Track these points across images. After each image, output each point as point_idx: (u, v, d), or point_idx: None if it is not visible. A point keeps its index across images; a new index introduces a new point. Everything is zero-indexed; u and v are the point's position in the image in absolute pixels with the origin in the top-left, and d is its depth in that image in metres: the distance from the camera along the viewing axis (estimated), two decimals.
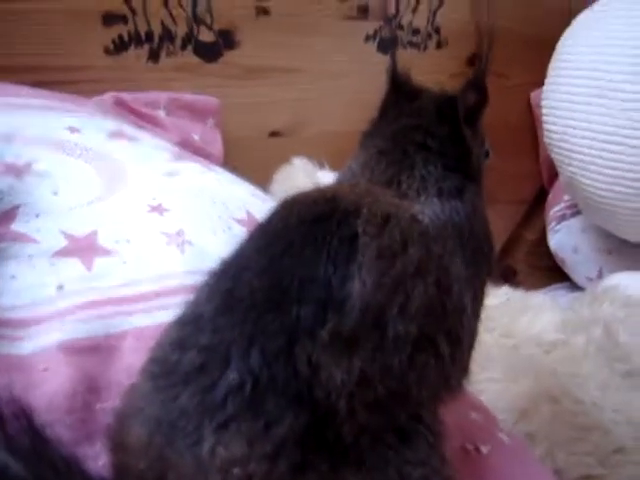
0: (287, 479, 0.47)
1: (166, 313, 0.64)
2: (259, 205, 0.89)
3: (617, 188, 1.28)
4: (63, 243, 0.70)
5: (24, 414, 0.55)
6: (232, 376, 0.48)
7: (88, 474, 0.55)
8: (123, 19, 1.19)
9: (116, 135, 0.94)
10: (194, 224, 0.78)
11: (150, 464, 0.49)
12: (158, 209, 0.78)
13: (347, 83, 1.41)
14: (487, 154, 0.73)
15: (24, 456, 0.52)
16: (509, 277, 1.69)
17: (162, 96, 1.21)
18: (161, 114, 1.19)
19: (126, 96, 1.16)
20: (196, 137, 1.21)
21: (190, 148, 1.16)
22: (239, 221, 0.82)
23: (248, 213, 0.85)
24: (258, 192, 0.96)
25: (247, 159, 1.30)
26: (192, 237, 0.76)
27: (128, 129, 0.98)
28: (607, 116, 1.27)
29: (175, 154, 0.96)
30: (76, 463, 0.55)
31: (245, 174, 1.14)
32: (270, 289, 0.51)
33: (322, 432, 0.48)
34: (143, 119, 1.16)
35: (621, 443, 0.90)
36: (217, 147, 1.24)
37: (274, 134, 1.38)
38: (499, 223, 1.65)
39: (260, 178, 1.26)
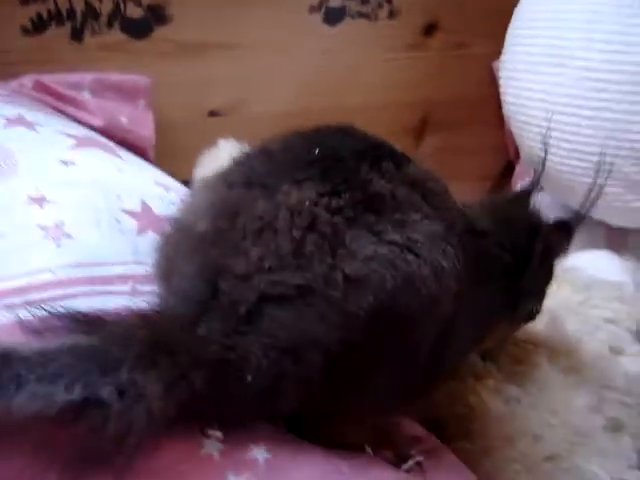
0: None
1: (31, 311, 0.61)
2: (160, 194, 0.85)
3: (574, 162, 1.23)
4: None
5: None
6: None
7: None
8: None
9: (14, 122, 0.90)
10: (77, 216, 0.75)
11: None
12: (39, 201, 0.75)
13: (291, 58, 1.36)
14: None
15: None
16: None
17: (86, 77, 1.16)
18: (86, 96, 1.15)
19: (47, 78, 1.12)
20: (124, 119, 1.16)
21: (117, 130, 1.13)
22: (131, 213, 0.80)
23: (144, 204, 0.82)
24: (165, 180, 0.92)
25: (186, 140, 1.27)
26: (72, 230, 0.73)
27: (30, 115, 0.94)
28: (563, 86, 1.22)
29: (79, 140, 0.92)
30: None
31: (182, 156, 1.10)
32: None
33: None
34: (65, 102, 1.12)
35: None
36: (148, 129, 1.19)
37: (213, 114, 1.34)
38: (465, 200, 1.61)
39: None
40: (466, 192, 1.58)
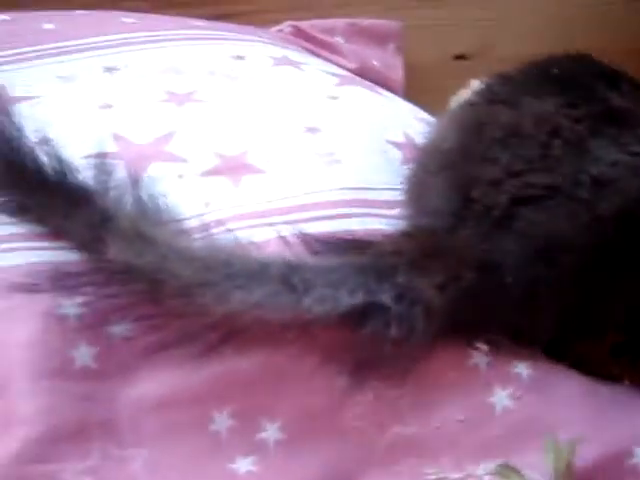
0: None
1: (311, 225, 0.70)
2: (421, 128, 0.90)
3: None
4: (214, 163, 0.76)
5: None
6: None
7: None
8: None
9: (282, 61, 0.99)
10: (347, 145, 0.82)
11: None
12: (312, 130, 0.83)
13: (541, 1, 1.36)
14: None
15: None
16: None
17: (340, 22, 1.23)
18: (339, 41, 1.21)
19: (303, 24, 1.20)
20: (376, 63, 1.22)
21: (369, 74, 1.18)
22: (396, 144, 0.85)
23: (406, 136, 0.87)
24: (424, 115, 0.97)
25: (431, 84, 1.30)
26: (343, 157, 0.80)
27: (295, 56, 1.02)
28: None
29: (342, 79, 0.99)
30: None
31: (428, 99, 1.14)
32: None
33: None
34: (320, 47, 1.19)
35: None
36: (397, 72, 1.24)
37: (459, 57, 1.36)
38: None
39: (444, 103, 1.25)
40: None
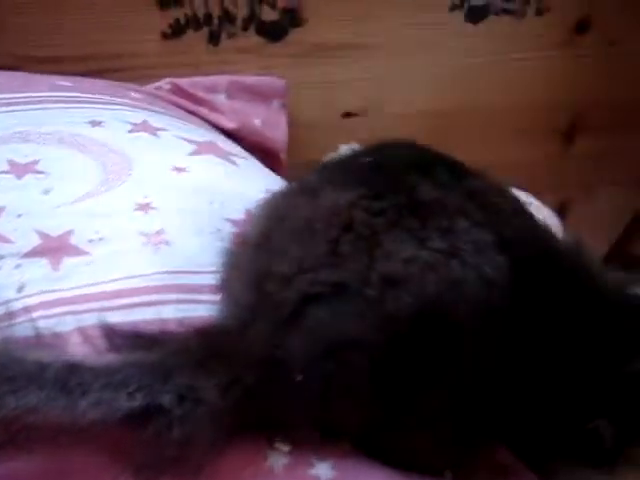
0: None
1: (125, 312, 0.70)
2: None
3: None
4: (35, 243, 0.75)
5: None
6: None
7: None
8: (178, 2, 1.22)
9: (138, 128, 0.99)
10: (178, 224, 0.81)
11: None
12: (144, 208, 0.82)
13: (430, 58, 1.38)
14: None
15: None
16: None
17: (222, 80, 1.24)
18: (221, 98, 1.23)
19: (184, 82, 1.21)
20: (257, 121, 1.24)
21: (249, 134, 1.20)
22: (234, 221, 0.85)
23: (249, 212, 0.86)
24: (280, 185, 0.97)
25: (319, 141, 1.31)
26: (172, 237, 0.79)
27: (155, 120, 1.02)
28: None
29: (198, 146, 0.99)
30: None
31: (317, 157, 1.15)
32: None
33: None
34: (199, 104, 1.20)
35: None
36: (281, 130, 1.26)
37: (348, 115, 1.38)
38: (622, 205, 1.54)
39: None
40: (621, 198, 1.55)
